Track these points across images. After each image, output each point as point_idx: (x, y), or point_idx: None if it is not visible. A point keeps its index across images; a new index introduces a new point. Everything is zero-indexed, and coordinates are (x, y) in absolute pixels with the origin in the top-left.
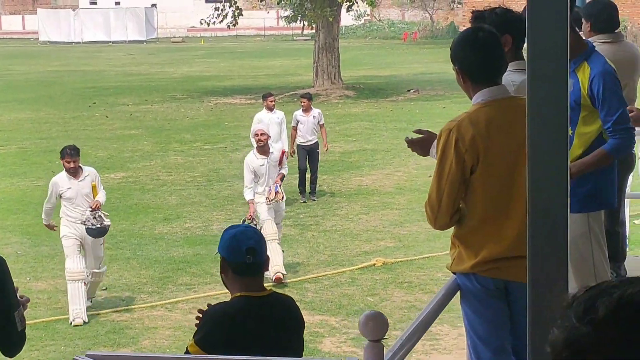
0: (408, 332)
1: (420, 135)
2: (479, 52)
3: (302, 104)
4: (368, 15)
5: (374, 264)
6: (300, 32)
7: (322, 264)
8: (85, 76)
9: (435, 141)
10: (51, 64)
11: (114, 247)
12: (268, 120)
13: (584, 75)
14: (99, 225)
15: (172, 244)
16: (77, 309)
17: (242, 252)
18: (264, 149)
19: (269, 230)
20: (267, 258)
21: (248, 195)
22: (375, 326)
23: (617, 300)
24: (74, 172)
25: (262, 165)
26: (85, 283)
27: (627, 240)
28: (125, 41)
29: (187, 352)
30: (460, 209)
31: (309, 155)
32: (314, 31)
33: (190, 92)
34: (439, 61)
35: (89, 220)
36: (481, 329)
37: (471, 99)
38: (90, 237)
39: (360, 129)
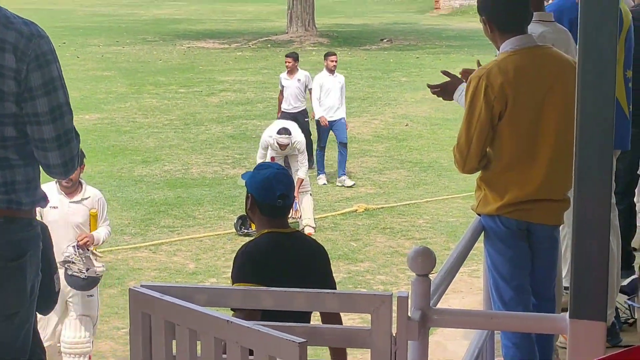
0: (444, 270)
1: (446, 80)
2: (506, 2)
3: (287, 64)
4: None
5: (356, 210)
6: None
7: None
8: (53, 15)
9: (461, 85)
10: (17, 1)
11: None
12: (330, 85)
13: None
14: (84, 272)
15: (152, 187)
16: None
17: (275, 196)
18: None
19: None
20: (294, 199)
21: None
22: (424, 261)
23: None
24: (68, 188)
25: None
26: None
27: None
28: None
29: None
30: (487, 154)
31: None
32: None
33: (162, 35)
34: (410, 11)
35: (70, 261)
36: (504, 269)
37: (498, 48)
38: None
39: None
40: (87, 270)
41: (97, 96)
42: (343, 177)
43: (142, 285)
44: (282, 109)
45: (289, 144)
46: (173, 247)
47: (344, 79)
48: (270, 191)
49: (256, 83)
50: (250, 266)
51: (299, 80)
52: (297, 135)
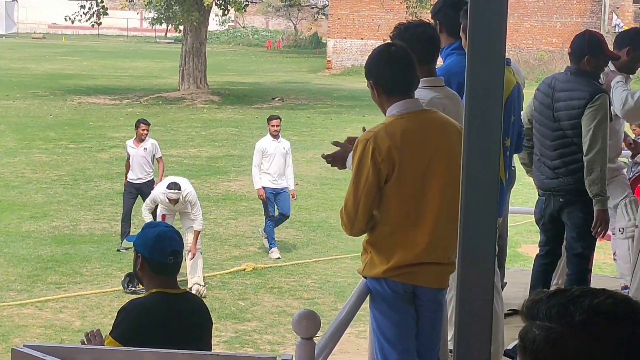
0: (329, 333)
1: (337, 149)
2: (393, 66)
3: (141, 131)
4: (232, 21)
5: (244, 269)
6: (163, 34)
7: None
8: None
9: (352, 152)
10: None
11: None
12: (273, 150)
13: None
14: None
15: (39, 242)
16: None
17: (166, 253)
18: None
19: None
20: (182, 258)
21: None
22: (309, 324)
23: (588, 307)
24: None
25: None
26: None
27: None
28: None
29: None
30: (374, 216)
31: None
32: (178, 34)
33: (52, 90)
34: (302, 70)
35: None
36: (389, 332)
37: (385, 112)
38: None
39: (227, 135)
40: None
41: None
42: (273, 249)
43: (25, 345)
44: (128, 179)
45: (179, 199)
46: (59, 304)
47: (289, 145)
48: (161, 249)
49: None
50: (128, 324)
51: (145, 149)
52: (187, 188)
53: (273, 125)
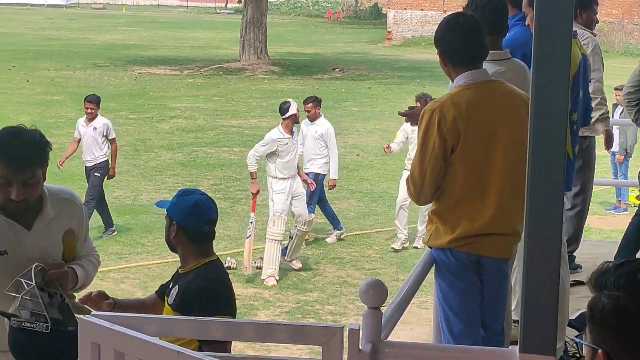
0: (395, 303)
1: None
2: (459, 37)
3: (87, 110)
4: None
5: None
6: (224, 5)
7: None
8: (2, 38)
9: (418, 122)
10: None
11: None
12: (305, 133)
13: None
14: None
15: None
16: None
17: (203, 221)
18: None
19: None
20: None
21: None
22: (376, 294)
23: None
24: None
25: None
26: None
27: None
28: (44, 5)
29: None
30: (440, 186)
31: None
32: (238, 4)
33: (113, 60)
34: (362, 41)
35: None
36: (454, 301)
37: (452, 81)
38: None
39: None
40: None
41: (46, 121)
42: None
43: (92, 315)
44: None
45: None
46: (121, 275)
47: (327, 129)
48: (198, 217)
49: (207, 110)
50: (224, 300)
51: (95, 128)
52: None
53: (305, 110)
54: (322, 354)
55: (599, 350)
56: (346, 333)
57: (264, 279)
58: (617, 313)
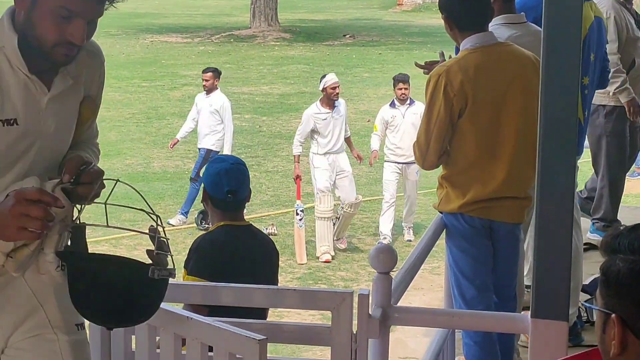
0: (405, 268)
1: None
2: (464, 1)
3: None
4: None
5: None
6: None
7: (266, 204)
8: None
9: (425, 86)
10: None
11: None
12: (200, 105)
13: None
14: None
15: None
16: None
17: (223, 191)
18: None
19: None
20: (250, 192)
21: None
22: (386, 259)
23: None
24: None
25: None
26: None
27: None
28: None
29: None
30: (448, 152)
31: None
32: None
33: (124, 29)
34: (373, 7)
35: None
36: (466, 266)
37: (459, 46)
38: None
39: (298, 72)
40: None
41: None
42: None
43: None
44: None
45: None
46: (134, 241)
47: (223, 103)
48: (219, 186)
49: None
50: (204, 261)
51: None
52: None
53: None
54: (331, 319)
55: (612, 315)
56: (356, 298)
57: (318, 256)
58: (633, 277)
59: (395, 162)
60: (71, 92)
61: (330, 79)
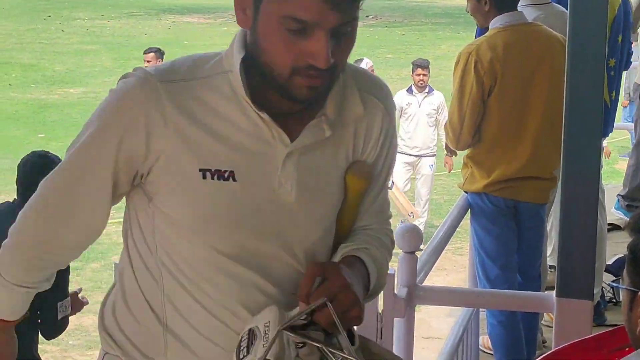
0: (431, 247)
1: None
2: None
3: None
4: None
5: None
6: None
7: None
8: None
9: (454, 66)
10: None
11: None
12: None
13: None
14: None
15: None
16: None
17: None
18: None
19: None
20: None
21: None
22: (412, 238)
23: None
24: None
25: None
26: None
27: None
28: None
29: None
30: (478, 130)
31: None
32: None
33: (147, 9)
34: None
35: None
36: (490, 246)
37: (487, 24)
38: None
39: None
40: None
41: (82, 70)
42: None
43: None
44: None
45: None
46: None
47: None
48: None
49: None
50: None
51: None
52: None
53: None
54: None
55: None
56: None
57: None
58: None
59: (407, 154)
60: (328, 148)
61: (366, 63)
